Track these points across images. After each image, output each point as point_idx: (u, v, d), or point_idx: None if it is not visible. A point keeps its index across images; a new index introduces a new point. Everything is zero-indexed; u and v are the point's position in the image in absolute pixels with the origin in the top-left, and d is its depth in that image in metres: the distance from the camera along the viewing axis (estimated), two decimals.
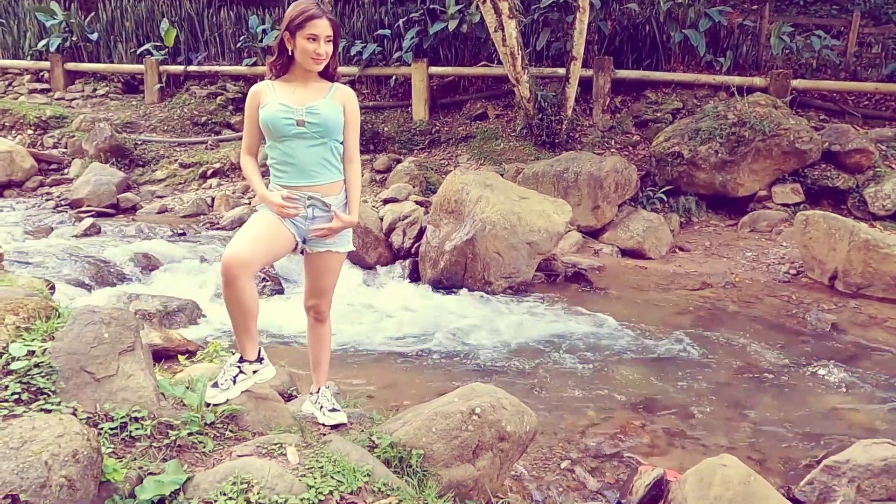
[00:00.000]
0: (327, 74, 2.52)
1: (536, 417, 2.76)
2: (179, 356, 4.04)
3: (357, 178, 2.58)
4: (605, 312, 6.26)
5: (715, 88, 10.76)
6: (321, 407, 2.74)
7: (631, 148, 11.29)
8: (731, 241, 9.03)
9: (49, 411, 1.66)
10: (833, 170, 9.33)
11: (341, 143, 2.53)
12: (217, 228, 9.04)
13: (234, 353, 2.42)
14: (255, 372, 2.45)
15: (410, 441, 2.21)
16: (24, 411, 1.63)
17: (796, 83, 10.21)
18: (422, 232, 7.90)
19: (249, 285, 2.28)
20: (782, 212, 9.21)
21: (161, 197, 10.95)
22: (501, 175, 10.75)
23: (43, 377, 1.73)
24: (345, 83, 2.63)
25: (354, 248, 2.71)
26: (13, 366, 1.71)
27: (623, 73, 11.02)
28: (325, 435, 2.35)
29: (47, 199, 10.32)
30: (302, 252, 2.56)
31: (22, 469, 1.30)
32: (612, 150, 11.47)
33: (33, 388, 1.70)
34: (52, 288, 5.52)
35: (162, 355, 4.76)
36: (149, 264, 6.93)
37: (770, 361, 4.95)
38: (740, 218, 9.37)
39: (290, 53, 2.44)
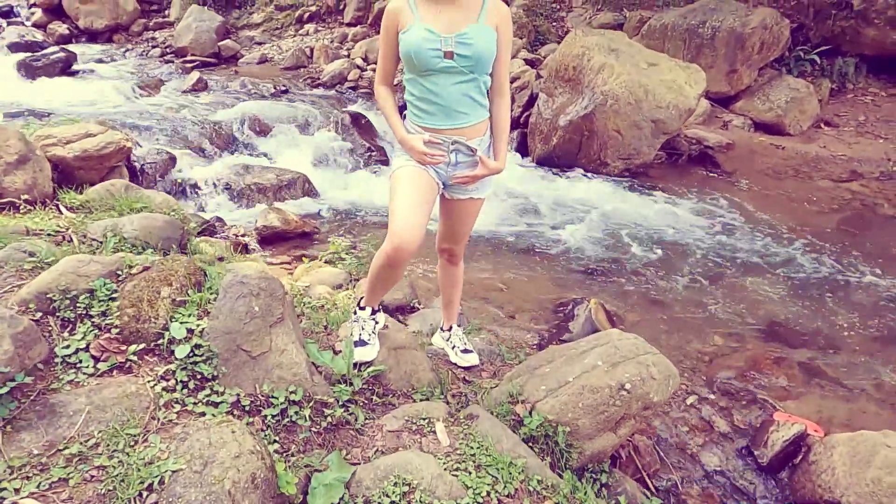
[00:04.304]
0: None
1: (679, 375, 2.59)
2: (304, 259, 4.09)
3: (506, 115, 2.22)
4: (734, 206, 5.72)
5: None
6: (454, 347, 2.71)
7: None
8: (893, 115, 7.76)
9: (216, 404, 1.67)
10: None
11: (490, 75, 2.15)
12: (318, 85, 8.78)
13: (361, 308, 2.33)
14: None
15: (557, 417, 2.13)
16: (194, 404, 1.64)
17: None
18: (532, 100, 7.29)
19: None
20: None
21: (259, 44, 10.69)
22: (622, 25, 9.56)
23: (205, 363, 1.73)
24: None
25: (493, 190, 2.44)
26: (176, 352, 1.71)
27: None
28: (467, 398, 2.32)
29: (153, 47, 10.33)
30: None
31: (210, 502, 1.30)
32: None
33: (198, 376, 1.71)
34: (174, 160, 5.67)
35: (280, 237, 4.92)
36: (258, 128, 6.92)
37: None
38: None
39: None
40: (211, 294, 1.91)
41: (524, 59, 8.29)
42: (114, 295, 1.81)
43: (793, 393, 3.36)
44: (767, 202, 5.83)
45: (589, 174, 6.39)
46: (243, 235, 4.87)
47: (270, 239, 4.85)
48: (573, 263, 4.71)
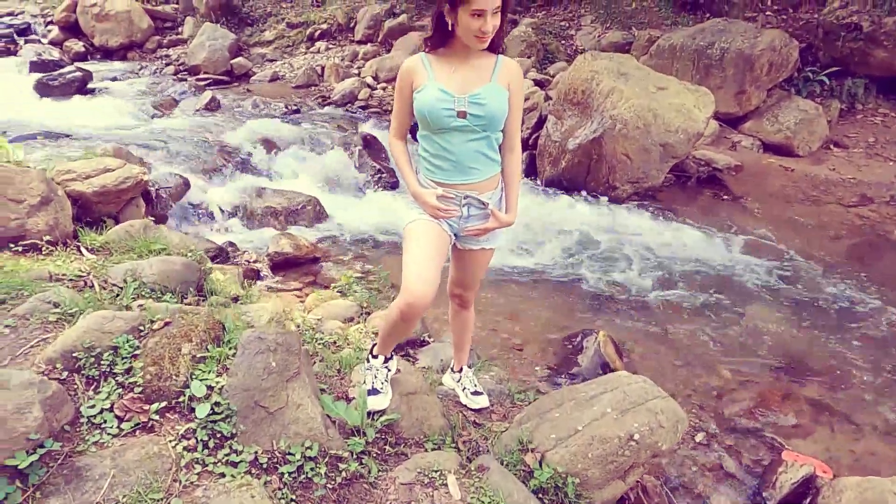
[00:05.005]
0: (491, 45, 2.11)
1: (686, 419, 2.61)
2: (315, 290, 4.14)
3: (517, 169, 2.27)
4: (742, 232, 5.74)
5: None
6: (464, 388, 2.76)
7: (791, 11, 9.57)
8: None
9: (236, 464, 1.72)
10: None
11: (502, 131, 2.20)
12: (328, 104, 8.88)
13: (374, 356, 2.37)
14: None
15: (567, 468, 2.17)
16: (214, 464, 1.70)
17: None
18: (541, 121, 7.35)
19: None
20: None
21: (271, 61, 10.82)
22: (630, 44, 9.61)
23: (224, 421, 1.79)
24: None
25: (505, 241, 2.49)
26: (197, 410, 1.76)
27: None
28: (477, 444, 2.36)
29: (167, 64, 10.48)
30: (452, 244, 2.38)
31: None
32: (766, 13, 9.78)
33: (218, 434, 1.76)
34: (188, 184, 5.75)
35: (292, 263, 4.98)
36: (270, 149, 7.00)
37: None
38: None
39: (449, 28, 2.04)
40: (230, 349, 1.97)
41: (533, 80, 8.35)
42: (136, 352, 1.87)
43: (801, 430, 3.37)
44: (776, 227, 5.84)
45: (597, 197, 6.42)
46: (255, 261, 4.94)
47: (282, 265, 4.92)
48: (582, 291, 4.74)
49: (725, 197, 6.61)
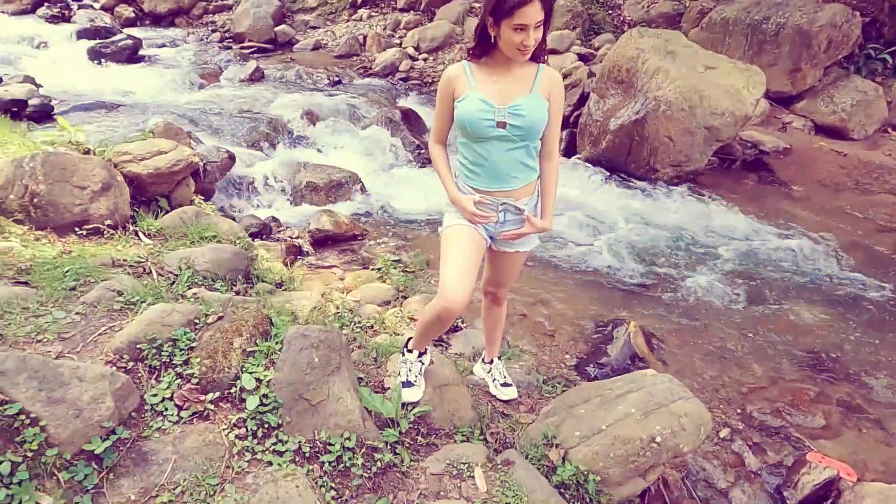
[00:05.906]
0: (533, 55, 2.14)
1: (711, 419, 2.68)
2: (355, 272, 4.27)
3: (554, 176, 2.32)
4: (787, 221, 5.61)
5: None
6: (494, 380, 2.88)
7: None
8: None
9: (281, 453, 1.89)
10: None
11: (541, 140, 2.24)
12: (370, 75, 8.91)
13: (409, 350, 2.50)
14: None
15: (589, 466, 2.28)
16: (262, 452, 1.87)
17: None
18: (583, 98, 7.24)
19: None
20: None
21: (314, 28, 10.85)
22: (681, 15, 9.28)
23: (271, 412, 1.95)
24: None
25: (539, 243, 2.55)
26: (247, 402, 1.93)
27: None
28: (505, 436, 2.49)
29: (212, 31, 10.63)
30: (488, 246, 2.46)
31: None
32: None
33: (266, 425, 1.93)
34: (233, 158, 5.92)
35: (332, 240, 5.14)
36: (312, 123, 7.13)
37: None
38: None
39: (492, 40, 2.08)
40: (276, 343, 2.12)
41: (577, 54, 8.18)
42: (192, 344, 2.04)
43: (829, 432, 3.38)
44: (822, 217, 5.70)
45: (637, 180, 6.35)
46: (297, 237, 5.12)
47: (322, 242, 5.09)
48: (617, 279, 4.76)
49: (771, 182, 6.45)
